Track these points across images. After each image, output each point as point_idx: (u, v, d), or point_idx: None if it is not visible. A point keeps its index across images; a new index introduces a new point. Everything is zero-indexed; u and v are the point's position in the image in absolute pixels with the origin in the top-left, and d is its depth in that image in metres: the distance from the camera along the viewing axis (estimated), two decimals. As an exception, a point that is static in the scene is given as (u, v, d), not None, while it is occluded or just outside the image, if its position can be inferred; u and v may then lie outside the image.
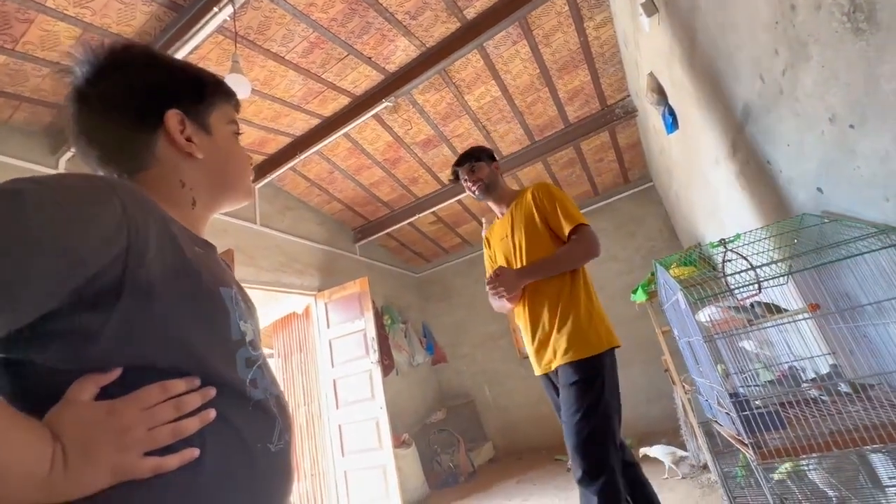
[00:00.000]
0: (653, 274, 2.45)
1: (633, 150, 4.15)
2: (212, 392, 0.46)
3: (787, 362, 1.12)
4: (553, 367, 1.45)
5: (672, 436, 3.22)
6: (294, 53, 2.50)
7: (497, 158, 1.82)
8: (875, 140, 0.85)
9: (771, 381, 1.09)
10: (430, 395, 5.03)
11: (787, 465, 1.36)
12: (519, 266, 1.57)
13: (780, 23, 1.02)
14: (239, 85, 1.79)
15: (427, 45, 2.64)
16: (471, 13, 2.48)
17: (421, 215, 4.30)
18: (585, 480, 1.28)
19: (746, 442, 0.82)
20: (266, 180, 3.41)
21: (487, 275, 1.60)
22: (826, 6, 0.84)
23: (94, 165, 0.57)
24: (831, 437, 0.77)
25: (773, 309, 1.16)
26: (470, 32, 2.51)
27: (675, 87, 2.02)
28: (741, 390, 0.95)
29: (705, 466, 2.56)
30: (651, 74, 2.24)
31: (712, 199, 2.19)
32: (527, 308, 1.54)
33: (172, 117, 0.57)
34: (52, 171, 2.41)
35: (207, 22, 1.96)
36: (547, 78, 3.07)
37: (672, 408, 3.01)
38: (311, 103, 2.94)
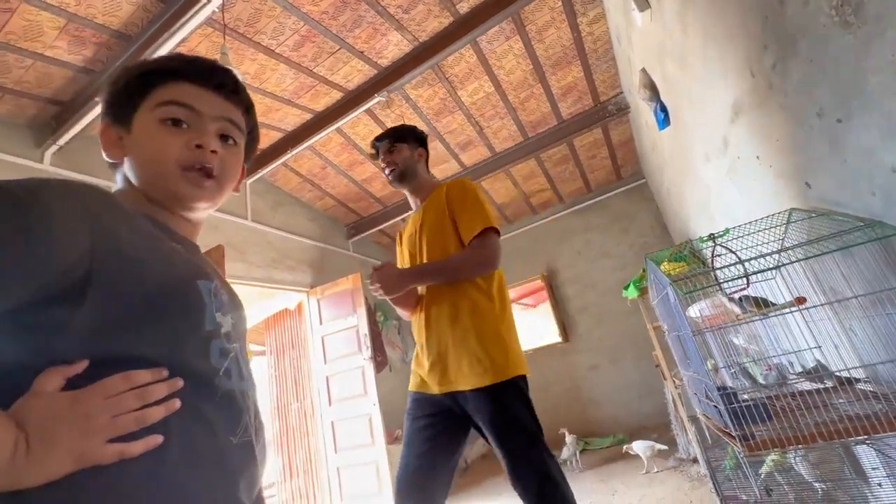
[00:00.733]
0: (644, 270, 2.46)
1: (626, 147, 4.17)
2: (179, 383, 0.47)
3: (774, 356, 1.13)
4: (456, 389, 1.23)
5: (663, 431, 3.25)
6: (285, 47, 2.47)
7: (427, 145, 1.56)
8: (862, 134, 0.86)
9: (757, 383, 1.09)
10: (424, 391, 5.03)
11: (774, 457, 1.38)
12: None
13: (770, 17, 1.02)
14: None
15: (420, 40, 2.62)
16: (464, 8, 2.46)
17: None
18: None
19: (734, 434, 0.83)
20: (257, 175, 3.38)
21: None
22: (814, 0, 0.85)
23: None
24: (816, 428, 0.78)
25: (762, 303, 1.16)
26: (463, 27, 2.49)
27: (667, 82, 2.02)
28: (730, 384, 0.96)
29: (695, 460, 2.59)
30: (643, 70, 2.25)
31: (703, 194, 2.20)
32: (423, 316, 1.35)
33: (100, 128, 0.61)
34: (38, 165, 2.36)
35: (196, 13, 1.92)
36: (540, 74, 3.07)
37: (663, 403, 3.04)
38: (302, 98, 2.91)
